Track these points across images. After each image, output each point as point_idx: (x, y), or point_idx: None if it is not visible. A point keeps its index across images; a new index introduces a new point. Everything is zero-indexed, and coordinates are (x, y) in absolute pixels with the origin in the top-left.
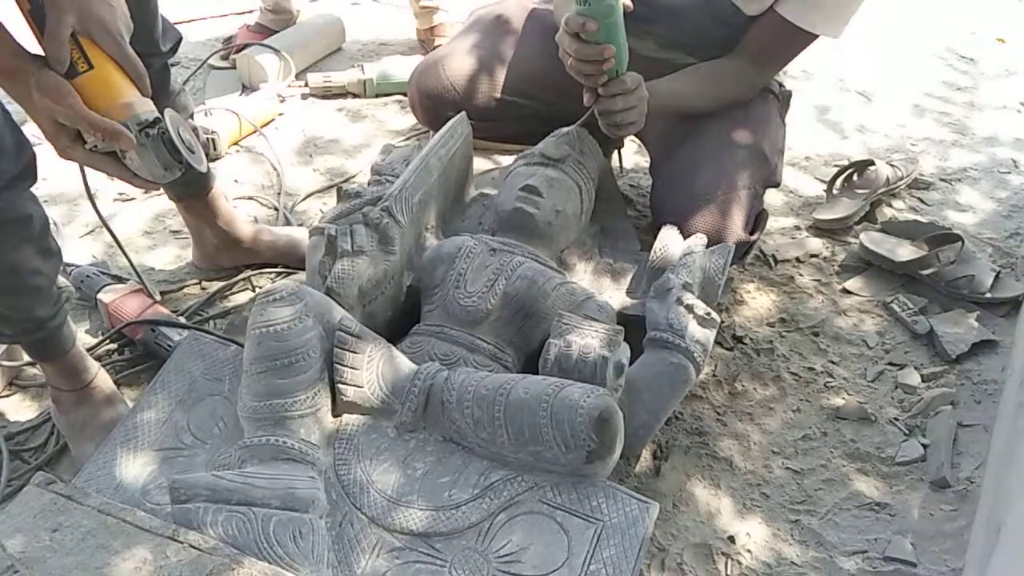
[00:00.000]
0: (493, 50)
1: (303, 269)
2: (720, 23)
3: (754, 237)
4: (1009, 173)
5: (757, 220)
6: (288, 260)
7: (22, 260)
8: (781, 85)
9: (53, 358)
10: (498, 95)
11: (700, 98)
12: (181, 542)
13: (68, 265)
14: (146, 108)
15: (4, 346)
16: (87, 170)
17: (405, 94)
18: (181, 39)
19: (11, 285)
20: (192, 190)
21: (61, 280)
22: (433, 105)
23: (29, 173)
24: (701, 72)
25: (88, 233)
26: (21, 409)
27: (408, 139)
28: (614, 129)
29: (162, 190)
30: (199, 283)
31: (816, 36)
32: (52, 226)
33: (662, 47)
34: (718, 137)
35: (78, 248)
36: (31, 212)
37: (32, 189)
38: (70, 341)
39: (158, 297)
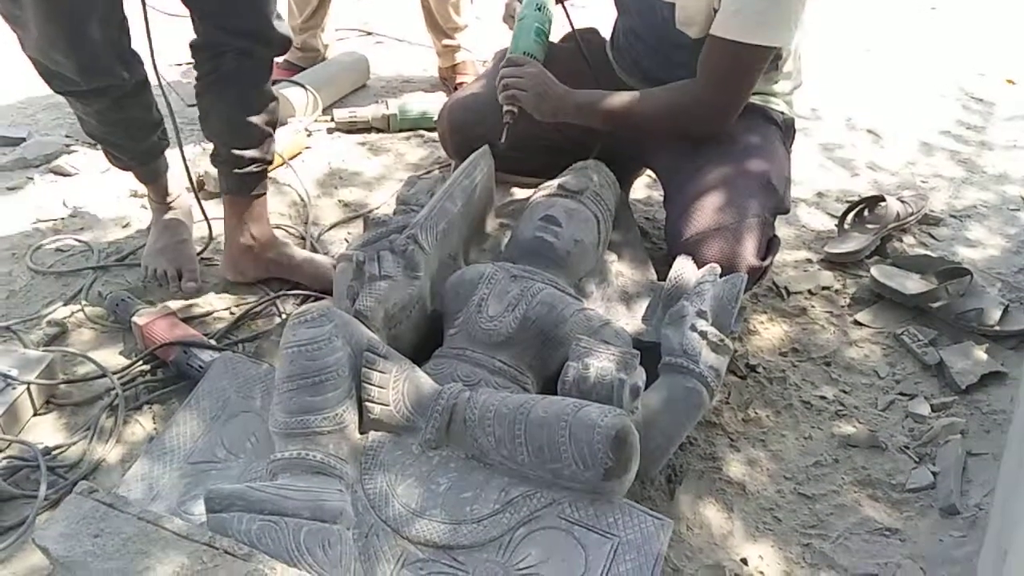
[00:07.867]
0: None
1: (329, 294)
2: (672, 46)
3: (766, 263)
4: (1018, 210)
5: (769, 246)
6: (311, 282)
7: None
8: (783, 114)
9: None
10: (523, 127)
11: (653, 105)
12: (217, 548)
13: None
14: None
15: (43, 366)
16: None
17: (427, 129)
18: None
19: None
20: (249, 186)
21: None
22: (463, 138)
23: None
24: (659, 87)
25: (122, 260)
26: (58, 426)
27: (431, 171)
28: (502, 95)
29: (216, 181)
30: (228, 309)
31: (761, 47)
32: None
33: (627, 72)
34: (726, 170)
35: (113, 274)
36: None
37: (71, 215)
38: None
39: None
